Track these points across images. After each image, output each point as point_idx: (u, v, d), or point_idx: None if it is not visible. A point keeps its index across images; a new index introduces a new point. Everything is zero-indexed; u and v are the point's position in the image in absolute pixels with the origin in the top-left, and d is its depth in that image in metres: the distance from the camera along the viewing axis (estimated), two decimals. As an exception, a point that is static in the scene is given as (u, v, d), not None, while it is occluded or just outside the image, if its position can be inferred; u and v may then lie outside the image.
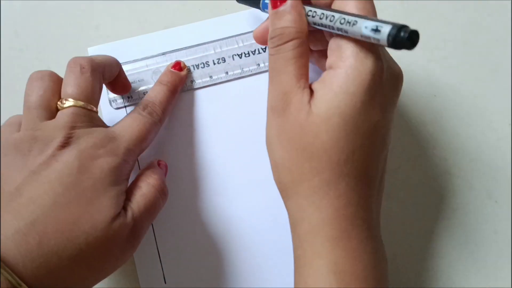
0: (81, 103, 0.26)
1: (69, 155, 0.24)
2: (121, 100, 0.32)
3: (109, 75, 0.29)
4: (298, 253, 0.26)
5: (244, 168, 0.32)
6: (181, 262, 0.32)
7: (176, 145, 0.33)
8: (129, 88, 0.32)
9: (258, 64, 0.33)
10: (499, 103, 0.33)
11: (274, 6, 0.25)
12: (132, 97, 0.32)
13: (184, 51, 0.33)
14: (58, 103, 0.26)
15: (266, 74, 0.33)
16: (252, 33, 0.31)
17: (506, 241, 0.33)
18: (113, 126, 0.28)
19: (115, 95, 0.32)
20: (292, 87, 0.24)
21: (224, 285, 0.32)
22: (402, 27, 0.21)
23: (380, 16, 0.33)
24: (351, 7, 0.24)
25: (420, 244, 0.33)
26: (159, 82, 0.31)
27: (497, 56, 0.33)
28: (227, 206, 0.32)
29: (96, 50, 0.33)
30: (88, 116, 0.26)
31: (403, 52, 0.33)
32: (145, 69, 0.32)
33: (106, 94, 0.32)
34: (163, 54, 0.33)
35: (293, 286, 0.28)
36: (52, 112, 0.26)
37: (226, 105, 0.33)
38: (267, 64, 0.33)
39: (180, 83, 0.32)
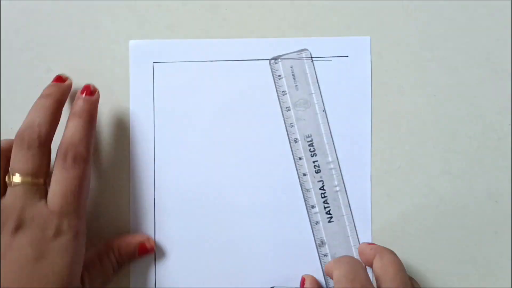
0: (29, 179, 0.25)
1: (23, 243, 0.24)
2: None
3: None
4: None
5: (243, 168, 0.32)
6: (174, 268, 0.32)
7: (170, 146, 0.33)
8: None
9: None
10: (499, 103, 0.33)
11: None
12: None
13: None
14: (7, 178, 0.26)
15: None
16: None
17: (506, 241, 0.33)
18: (50, 196, 0.26)
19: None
20: None
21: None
22: None
23: (380, 16, 0.33)
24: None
25: (419, 244, 0.33)
26: (72, 115, 0.28)
27: (497, 56, 0.33)
28: (225, 208, 0.32)
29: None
30: (37, 192, 0.26)
31: (403, 52, 0.33)
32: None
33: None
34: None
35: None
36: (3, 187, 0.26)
37: (226, 104, 0.33)
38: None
39: (95, 109, 0.29)
